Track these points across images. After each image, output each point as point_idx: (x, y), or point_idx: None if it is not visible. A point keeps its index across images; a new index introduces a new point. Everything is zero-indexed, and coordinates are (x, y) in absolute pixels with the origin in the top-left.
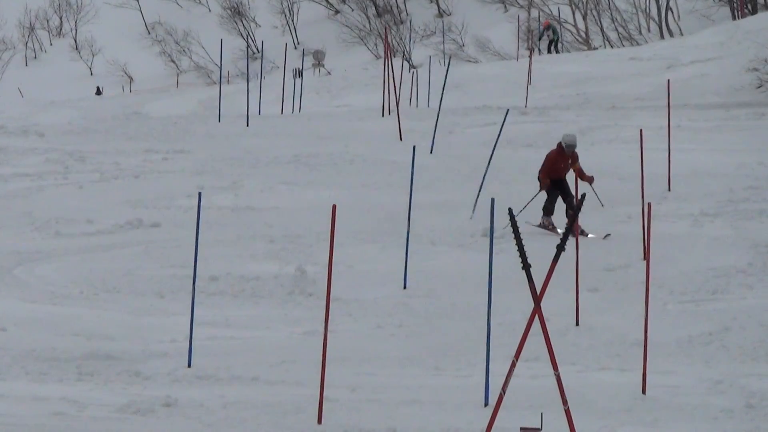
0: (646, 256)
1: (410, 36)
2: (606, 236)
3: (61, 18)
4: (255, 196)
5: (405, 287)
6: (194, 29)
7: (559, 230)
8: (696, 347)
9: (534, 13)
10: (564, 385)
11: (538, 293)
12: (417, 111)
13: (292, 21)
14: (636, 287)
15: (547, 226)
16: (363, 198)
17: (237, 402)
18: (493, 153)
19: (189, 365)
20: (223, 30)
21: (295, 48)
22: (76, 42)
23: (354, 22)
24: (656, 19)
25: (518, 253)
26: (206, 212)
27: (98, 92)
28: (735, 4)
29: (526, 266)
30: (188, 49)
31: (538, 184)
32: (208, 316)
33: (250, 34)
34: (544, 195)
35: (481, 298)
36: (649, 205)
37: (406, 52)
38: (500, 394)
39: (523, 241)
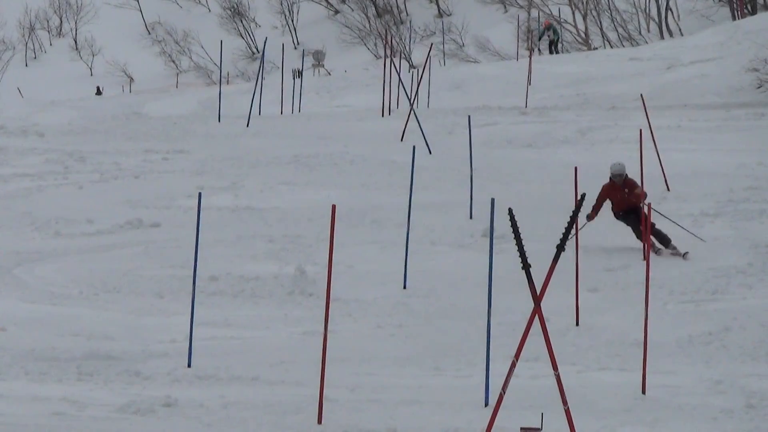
0: (646, 256)
1: (410, 36)
2: (685, 254)
3: (61, 18)
4: (255, 196)
5: (405, 287)
6: (194, 29)
7: (660, 247)
8: (696, 347)
9: (534, 13)
10: (564, 385)
11: (538, 293)
12: (417, 111)
13: (292, 21)
14: (636, 287)
15: (656, 251)
16: (363, 198)
17: (237, 402)
18: (471, 155)
19: (189, 365)
20: (223, 30)
21: (295, 48)
22: (76, 42)
23: (354, 22)
24: (656, 19)
25: (518, 253)
26: (206, 212)
27: (98, 92)
28: (735, 5)
29: (526, 266)
30: (188, 49)
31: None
32: (208, 316)
33: (250, 34)
34: (590, 227)
35: (481, 298)
36: (649, 204)
37: (405, 52)
38: (500, 394)
39: (523, 242)
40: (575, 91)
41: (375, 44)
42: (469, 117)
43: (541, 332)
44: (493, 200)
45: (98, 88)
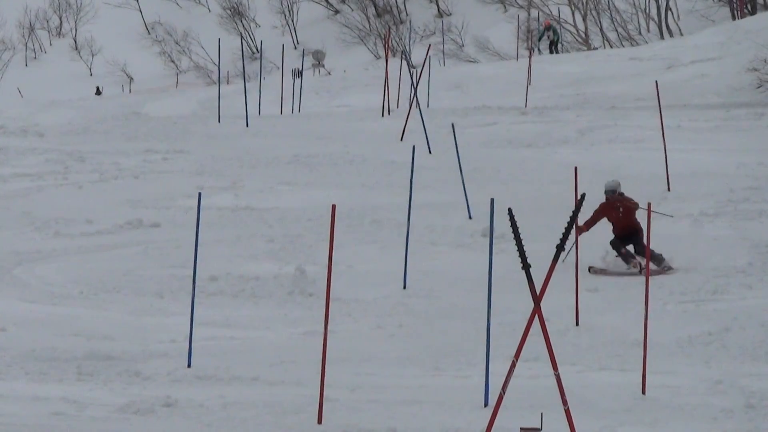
0: (646, 256)
1: (410, 36)
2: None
3: (60, 18)
4: (255, 196)
5: (405, 287)
6: (194, 29)
7: (637, 258)
8: (696, 347)
9: (534, 13)
10: (564, 385)
11: (538, 293)
12: (417, 111)
13: (292, 21)
14: (636, 287)
15: (635, 266)
16: (363, 198)
17: (237, 402)
18: (459, 156)
19: (189, 365)
20: (222, 30)
21: (295, 48)
22: (75, 42)
23: (354, 22)
24: (656, 19)
25: (518, 253)
26: (206, 212)
27: (98, 92)
28: (735, 4)
29: (526, 266)
30: (188, 49)
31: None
32: (208, 316)
33: (250, 34)
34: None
35: (481, 298)
36: (649, 204)
37: (406, 53)
38: (500, 394)
39: (523, 242)
40: (575, 91)
41: (375, 44)
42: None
43: (541, 332)
44: (492, 200)
45: (98, 88)
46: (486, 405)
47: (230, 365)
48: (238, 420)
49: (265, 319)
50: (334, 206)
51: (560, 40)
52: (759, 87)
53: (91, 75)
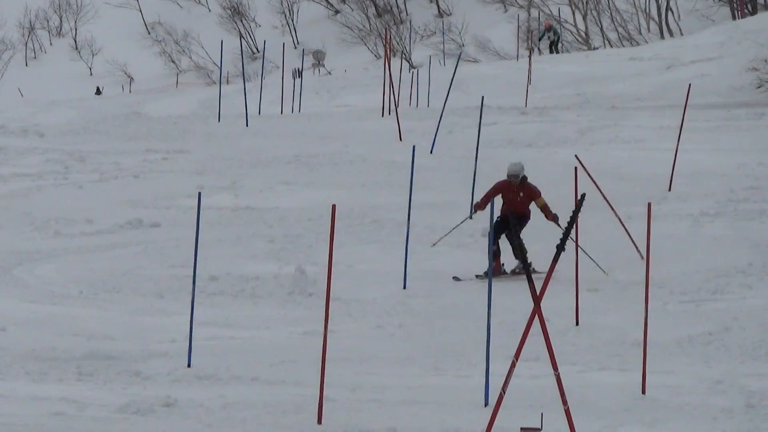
0: (646, 256)
1: (410, 36)
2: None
3: (61, 18)
4: (255, 196)
5: (405, 287)
6: (194, 29)
7: (507, 271)
8: (696, 347)
9: (534, 13)
10: (564, 385)
11: (538, 293)
12: (417, 111)
13: (292, 21)
14: (636, 287)
15: (497, 270)
16: (363, 198)
17: (237, 402)
18: (477, 155)
19: (189, 365)
20: (222, 30)
21: (295, 48)
22: (75, 42)
23: (354, 22)
24: (656, 19)
25: (518, 253)
26: (206, 212)
27: (98, 92)
28: (735, 4)
29: (527, 266)
30: (188, 49)
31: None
32: (208, 316)
33: (250, 34)
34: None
35: (481, 298)
36: (649, 205)
37: (405, 52)
38: (500, 394)
39: (523, 241)
40: (575, 91)
41: (375, 44)
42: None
43: (541, 332)
44: (493, 200)
45: (98, 88)
46: (486, 405)
47: (230, 365)
48: (238, 420)
49: (265, 319)
50: (334, 206)
51: (560, 40)
52: (759, 87)
53: (91, 75)
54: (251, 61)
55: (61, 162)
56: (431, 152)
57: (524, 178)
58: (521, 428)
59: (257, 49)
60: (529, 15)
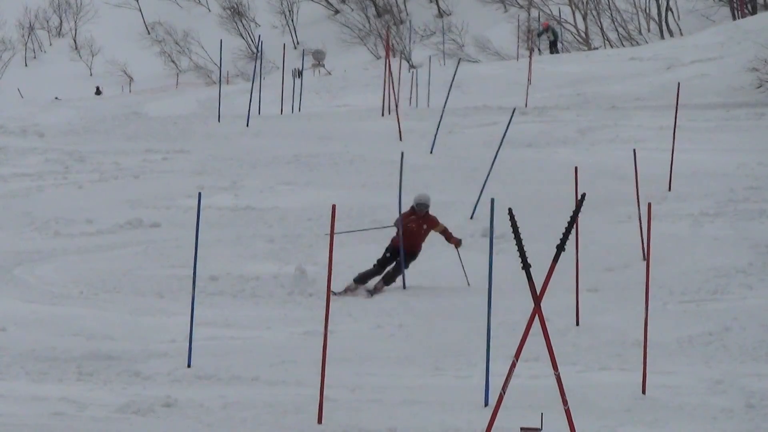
0: (646, 256)
1: (410, 36)
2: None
3: (60, 18)
4: (255, 196)
5: (405, 287)
6: (194, 29)
7: (363, 293)
8: (696, 347)
9: (534, 13)
10: (564, 385)
11: (538, 293)
12: (417, 111)
13: (292, 21)
14: (636, 287)
15: (348, 291)
16: (363, 198)
17: (237, 402)
18: (497, 154)
19: (189, 365)
20: (223, 30)
21: (295, 48)
22: (75, 42)
23: (354, 22)
24: (656, 19)
25: (518, 253)
26: (206, 212)
27: (98, 92)
28: (735, 4)
29: (526, 266)
30: (188, 49)
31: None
32: (208, 316)
33: (250, 34)
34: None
35: (481, 298)
36: (649, 205)
37: (405, 52)
38: (500, 394)
39: (523, 242)
40: (575, 91)
41: (375, 44)
42: (513, 111)
43: (541, 332)
44: (492, 200)
45: (98, 88)
46: (486, 405)
47: (230, 365)
48: (238, 420)
49: (265, 319)
50: (334, 206)
51: (559, 40)
52: (759, 87)
53: (91, 75)
54: (251, 61)
55: (61, 162)
56: (431, 152)
57: (428, 209)
58: (521, 428)
59: (257, 48)
60: (529, 15)
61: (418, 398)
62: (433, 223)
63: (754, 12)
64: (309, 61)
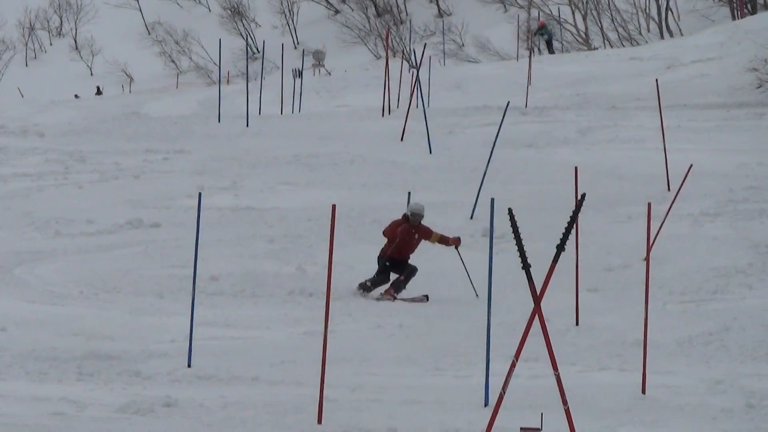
0: (646, 256)
1: (410, 36)
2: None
3: (61, 18)
4: (255, 196)
5: (405, 287)
6: (194, 29)
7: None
8: (696, 347)
9: (534, 13)
10: (564, 385)
11: (538, 293)
12: (417, 111)
13: (292, 21)
14: (636, 287)
15: (364, 289)
16: (363, 198)
17: (237, 402)
18: (492, 152)
19: (189, 365)
20: (223, 30)
21: (295, 48)
22: (76, 42)
23: (354, 22)
24: (656, 19)
25: (518, 253)
26: (206, 212)
27: (98, 92)
28: (735, 4)
29: (526, 266)
30: (188, 49)
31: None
32: (208, 316)
33: (250, 34)
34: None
35: (481, 298)
36: (649, 205)
37: (405, 52)
38: (500, 394)
39: (523, 242)
40: (575, 91)
41: (375, 44)
42: (507, 103)
43: (541, 332)
44: (492, 200)
45: (98, 88)
46: (486, 405)
47: (230, 365)
48: (238, 420)
49: (265, 319)
50: (334, 206)
51: (555, 39)
52: (759, 87)
53: (91, 75)
54: (251, 61)
55: (61, 162)
56: (430, 152)
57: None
58: (521, 428)
59: (257, 49)
60: (529, 15)
61: (418, 398)
62: (426, 234)
63: (753, 12)
64: (309, 61)
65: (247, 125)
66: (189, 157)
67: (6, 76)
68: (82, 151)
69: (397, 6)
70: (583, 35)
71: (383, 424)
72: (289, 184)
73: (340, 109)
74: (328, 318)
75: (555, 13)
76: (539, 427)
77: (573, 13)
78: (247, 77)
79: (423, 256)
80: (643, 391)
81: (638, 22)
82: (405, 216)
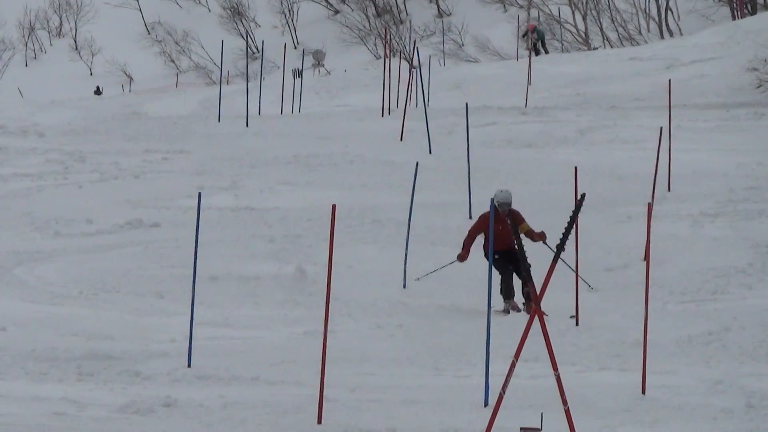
0: (646, 256)
1: (410, 36)
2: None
3: (61, 18)
4: (255, 196)
5: (405, 287)
6: (194, 29)
7: (521, 308)
8: (696, 347)
9: (534, 13)
10: (564, 385)
11: (538, 293)
12: (417, 111)
13: (292, 21)
14: (636, 287)
15: (514, 308)
16: (363, 198)
17: (237, 402)
18: (468, 153)
19: (189, 365)
20: (223, 30)
21: (295, 48)
22: (75, 42)
23: (354, 22)
24: (656, 19)
25: (518, 253)
26: (206, 212)
27: (97, 92)
28: (735, 4)
29: (526, 266)
30: (188, 49)
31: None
32: (208, 316)
33: (250, 34)
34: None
35: (481, 298)
36: (649, 205)
37: (406, 52)
38: (500, 394)
39: (523, 242)
40: (575, 91)
41: (375, 44)
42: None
43: (541, 332)
44: (492, 200)
45: (98, 88)
46: (486, 405)
47: (230, 365)
48: (238, 420)
49: (265, 319)
50: (334, 206)
51: (546, 42)
52: (759, 87)
53: (91, 75)
54: (251, 61)
55: (61, 162)
56: (430, 152)
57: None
58: (521, 428)
59: (257, 49)
60: (529, 15)
61: (418, 398)
62: (518, 220)
63: (753, 12)
64: (309, 61)
65: (247, 125)
66: (189, 157)
67: (6, 76)
68: (82, 151)
69: (397, 6)
70: (583, 35)
71: (383, 424)
72: (289, 184)
73: (340, 109)
74: (328, 318)
75: (555, 13)
76: (539, 427)
77: (573, 13)
78: (247, 77)
79: (423, 255)
80: (643, 391)
81: (638, 22)
82: (492, 203)
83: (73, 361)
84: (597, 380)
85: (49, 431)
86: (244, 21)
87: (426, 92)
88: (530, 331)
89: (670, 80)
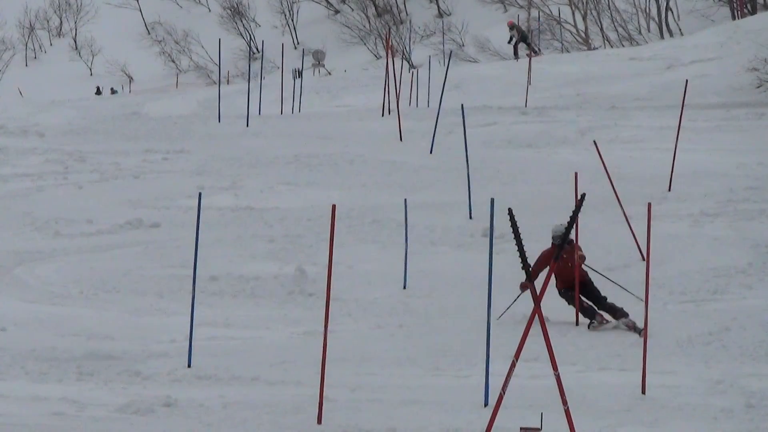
0: (646, 256)
1: (410, 36)
2: (641, 332)
3: (61, 18)
4: (255, 196)
5: (405, 287)
6: (194, 29)
7: (607, 318)
8: (696, 347)
9: (534, 13)
10: (564, 385)
11: (538, 293)
12: (417, 111)
13: (292, 21)
14: (636, 287)
15: (602, 321)
16: (363, 198)
17: (237, 402)
18: (467, 154)
19: (189, 365)
20: (223, 30)
21: (295, 48)
22: (75, 42)
23: (354, 22)
24: (656, 19)
25: (518, 253)
26: (206, 212)
27: (98, 92)
28: (735, 4)
29: (526, 266)
30: (188, 49)
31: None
32: (208, 316)
33: (250, 33)
34: (526, 297)
35: (481, 298)
36: (649, 205)
37: (406, 52)
38: (500, 394)
39: (523, 242)
40: (575, 91)
41: (375, 44)
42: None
43: (541, 332)
44: (492, 200)
45: (98, 88)
46: (486, 405)
47: (230, 365)
48: (238, 420)
49: (265, 319)
50: (334, 206)
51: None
52: (759, 87)
53: (91, 75)
54: (251, 61)
55: (61, 162)
56: (431, 152)
57: (571, 240)
58: (521, 428)
59: (257, 49)
60: (529, 15)
61: (418, 398)
62: (576, 249)
63: (753, 12)
64: (309, 61)
65: (247, 125)
66: (189, 157)
67: (6, 76)
68: (82, 151)
69: (397, 6)
70: (583, 35)
71: (383, 424)
72: (289, 184)
73: (340, 109)
74: (328, 318)
75: (555, 13)
76: (539, 427)
77: (573, 13)
78: (249, 77)
79: (423, 255)
80: (643, 391)
81: (638, 22)
82: (553, 245)
83: (73, 361)
84: (597, 380)
85: (49, 431)
86: (244, 21)
87: (426, 93)
88: (530, 331)
89: (687, 80)
